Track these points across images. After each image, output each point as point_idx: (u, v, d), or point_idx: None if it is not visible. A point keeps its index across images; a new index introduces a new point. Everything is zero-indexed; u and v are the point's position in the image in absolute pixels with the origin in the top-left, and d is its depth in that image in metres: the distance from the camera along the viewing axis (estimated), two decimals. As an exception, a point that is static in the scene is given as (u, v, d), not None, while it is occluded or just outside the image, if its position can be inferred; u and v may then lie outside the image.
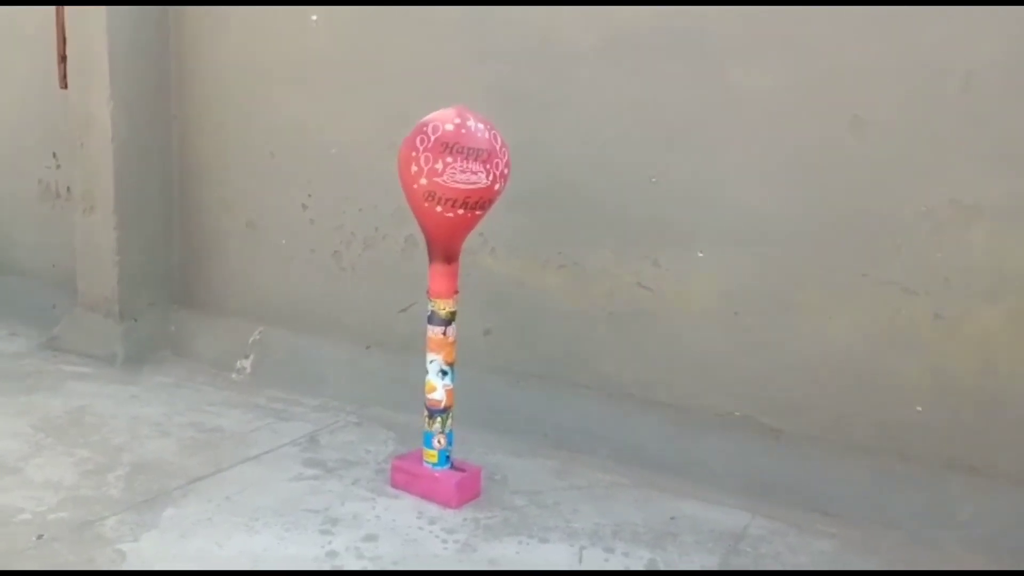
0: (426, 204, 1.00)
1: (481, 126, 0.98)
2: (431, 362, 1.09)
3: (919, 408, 1.13)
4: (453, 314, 1.09)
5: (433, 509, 1.09)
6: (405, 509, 1.09)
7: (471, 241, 1.17)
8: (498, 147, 0.99)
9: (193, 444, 1.25)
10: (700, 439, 1.24)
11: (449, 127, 0.97)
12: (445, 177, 0.96)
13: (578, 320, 1.32)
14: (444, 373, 1.09)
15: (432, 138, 0.97)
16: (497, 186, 0.99)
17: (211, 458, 1.21)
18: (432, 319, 1.09)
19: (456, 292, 1.09)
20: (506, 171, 1.00)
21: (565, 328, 1.33)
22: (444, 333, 1.08)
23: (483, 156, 0.96)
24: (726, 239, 1.22)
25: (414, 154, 0.98)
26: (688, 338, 1.26)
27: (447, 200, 0.98)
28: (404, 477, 1.13)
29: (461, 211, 0.99)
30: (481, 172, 0.96)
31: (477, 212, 1.01)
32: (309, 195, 1.52)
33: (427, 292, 1.09)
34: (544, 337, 1.35)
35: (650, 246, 1.27)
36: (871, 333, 1.15)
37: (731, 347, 1.23)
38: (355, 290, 1.37)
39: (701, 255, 1.24)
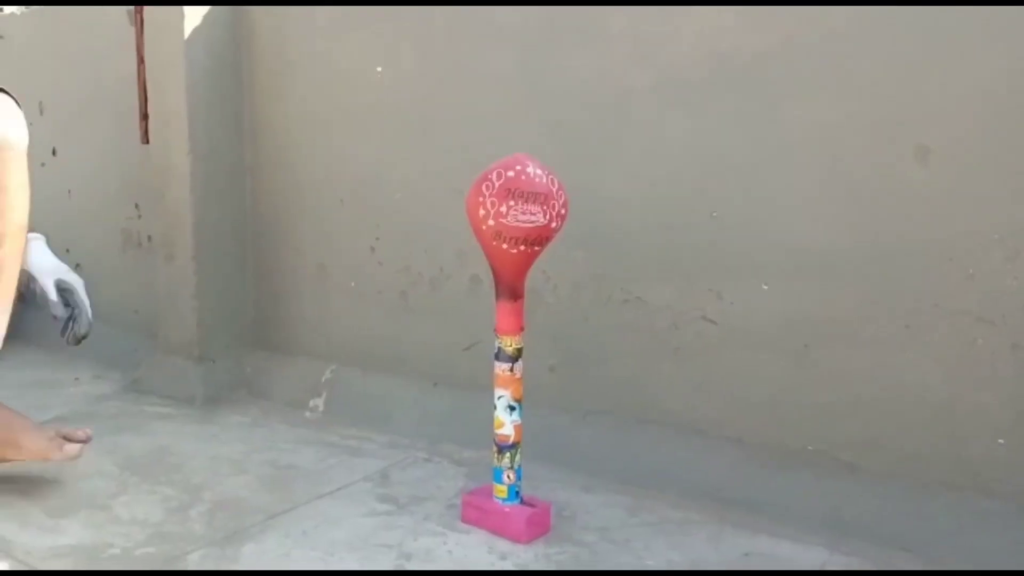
0: (494, 243, 1.05)
1: (539, 171, 1.05)
2: (499, 398, 1.10)
3: (1001, 441, 1.09)
4: (519, 350, 1.11)
5: (503, 544, 1.09)
6: (476, 544, 1.10)
7: (534, 280, 1.19)
8: (555, 190, 1.06)
9: (270, 481, 1.28)
10: (772, 475, 1.22)
11: (511, 174, 1.04)
12: (509, 218, 1.03)
13: (643, 355, 1.32)
14: (512, 409, 1.11)
15: (497, 184, 1.04)
16: (554, 224, 1.06)
17: (287, 494, 1.23)
18: (499, 355, 1.11)
19: (522, 329, 1.11)
20: (563, 211, 1.06)
21: (630, 363, 1.33)
22: (511, 369, 1.10)
23: (541, 199, 1.04)
24: (791, 272, 1.21)
25: (481, 199, 1.05)
26: (756, 372, 1.25)
27: (512, 239, 1.04)
28: (475, 512, 1.14)
29: (523, 247, 1.05)
30: (539, 213, 1.04)
31: (536, 248, 1.07)
32: (377, 238, 1.56)
33: (494, 330, 1.11)
34: (610, 373, 1.35)
35: (713, 280, 1.26)
36: (946, 365, 1.12)
37: (801, 381, 1.21)
38: (422, 329, 1.40)
39: (766, 287, 1.23)
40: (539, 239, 1.06)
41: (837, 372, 1.19)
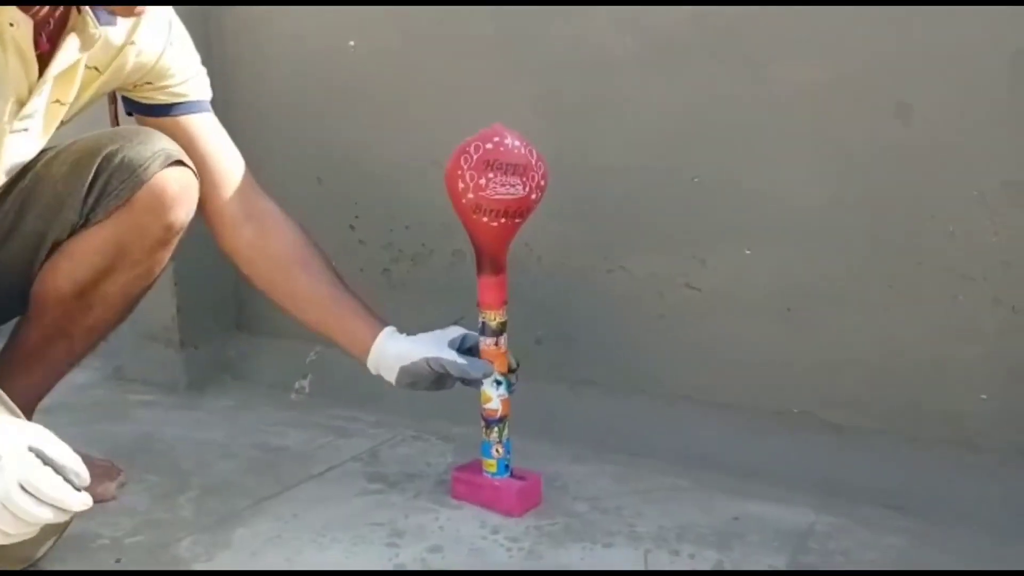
0: (474, 216, 1.05)
1: (518, 143, 1.05)
2: (483, 360, 1.10)
3: (983, 396, 1.10)
4: (504, 324, 1.10)
5: (495, 518, 1.10)
6: (468, 519, 1.10)
7: (518, 252, 1.18)
8: (534, 161, 1.05)
9: (258, 464, 1.28)
10: (760, 438, 1.24)
11: (489, 145, 1.03)
12: (488, 191, 1.03)
13: (629, 324, 1.32)
14: (498, 383, 1.10)
15: (475, 157, 1.03)
16: (534, 196, 1.05)
17: (277, 477, 1.23)
18: (484, 330, 1.10)
19: (505, 303, 1.11)
20: (542, 182, 1.06)
21: (617, 333, 1.34)
22: (496, 344, 1.10)
23: (520, 170, 1.03)
24: (774, 235, 1.21)
25: (460, 172, 1.04)
26: (741, 337, 1.25)
27: (492, 211, 1.04)
28: (465, 488, 1.14)
29: (503, 220, 1.05)
30: (519, 184, 1.03)
31: (516, 220, 1.06)
32: (356, 216, 1.54)
33: (478, 304, 1.11)
34: (596, 343, 1.35)
35: (696, 246, 1.26)
36: (930, 322, 1.13)
37: (786, 344, 1.22)
38: (406, 305, 1.39)
39: (748, 252, 1.23)
40: (519, 211, 1.05)
41: (822, 334, 1.20)
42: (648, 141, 1.28)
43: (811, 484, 1.16)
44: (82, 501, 0.80)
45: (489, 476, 1.13)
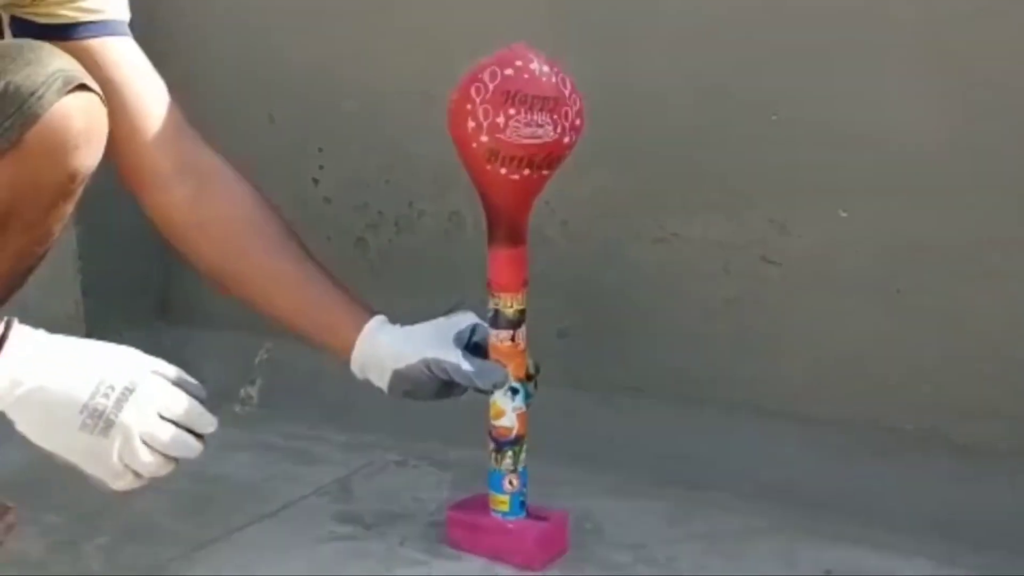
0: (488, 166, 1.02)
1: (547, 69, 1.02)
2: (497, 363, 1.08)
3: None
4: (523, 312, 1.08)
5: (507, 573, 1.08)
6: (470, 574, 1.09)
7: (536, 214, 1.17)
8: (567, 93, 1.03)
9: (192, 500, 1.26)
10: (862, 464, 1.23)
11: (509, 72, 1.00)
12: (509, 132, 1.00)
13: (685, 311, 1.31)
14: (514, 392, 1.08)
15: (491, 86, 1.00)
16: (567, 139, 1.03)
17: (216, 517, 1.22)
18: (496, 320, 1.08)
19: (526, 283, 1.08)
20: (577, 121, 1.04)
21: (668, 323, 1.32)
22: (512, 339, 1.08)
23: (550, 105, 1.01)
24: (880, 191, 1.20)
25: (470, 107, 1.01)
26: (835, 329, 1.24)
27: (512, 159, 1.01)
28: (465, 533, 1.12)
29: (527, 171, 1.02)
30: (548, 124, 1.01)
31: (544, 172, 1.04)
32: (321, 166, 1.53)
33: (487, 285, 1.08)
34: (640, 337, 1.34)
35: (775, 207, 1.25)
36: None
37: (896, 337, 1.21)
38: (388, 286, 1.39)
39: (844, 214, 1.22)
40: (548, 159, 1.02)
41: (944, 323, 1.18)
42: (710, 66, 1.25)
43: (930, 526, 1.14)
44: (211, 422, 0.94)
45: (499, 517, 1.11)
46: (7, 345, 0.89)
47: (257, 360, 1.57)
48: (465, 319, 1.11)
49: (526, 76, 1.00)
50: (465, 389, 1.08)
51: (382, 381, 1.09)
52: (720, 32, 1.25)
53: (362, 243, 1.51)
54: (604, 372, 1.36)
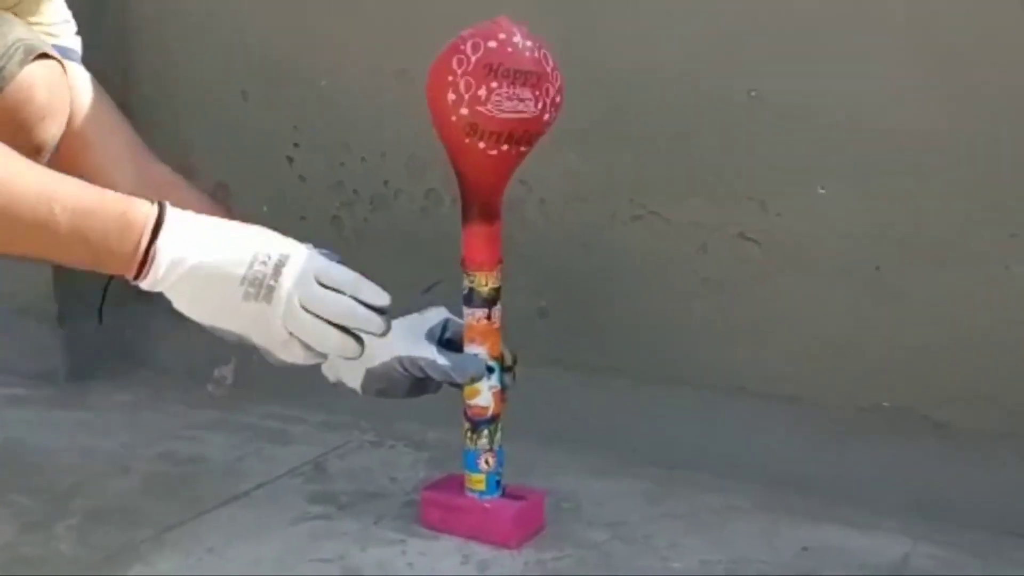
0: (467, 140, 1.01)
1: (529, 43, 1.02)
2: (473, 355, 1.08)
3: None
4: (498, 291, 1.08)
5: (483, 551, 1.08)
6: (446, 553, 1.08)
7: (512, 192, 1.17)
8: (549, 70, 1.03)
9: (164, 481, 1.26)
10: (838, 442, 1.23)
11: (493, 44, 1.00)
12: (490, 106, 0.99)
13: (664, 290, 1.31)
14: (491, 370, 1.08)
15: (473, 59, 0.99)
16: (547, 116, 1.03)
17: (188, 498, 1.21)
18: (471, 298, 1.07)
19: (500, 261, 1.08)
20: (558, 98, 1.04)
21: (647, 302, 1.32)
22: (488, 316, 1.07)
23: (533, 80, 1.00)
24: (858, 169, 1.19)
25: (451, 79, 1.00)
26: (814, 306, 1.23)
27: (492, 134, 1.00)
28: (440, 513, 1.12)
29: (506, 146, 1.01)
30: (530, 99, 1.00)
31: (522, 148, 1.03)
32: (296, 144, 1.52)
33: (461, 263, 1.08)
34: (619, 316, 1.34)
35: (754, 184, 1.24)
36: None
37: (874, 316, 1.21)
38: (364, 265, 1.36)
39: (823, 191, 1.21)
40: (527, 135, 1.02)
41: (922, 303, 1.18)
42: (687, 41, 1.25)
43: (907, 503, 1.15)
44: (375, 292, 0.95)
45: (475, 496, 1.10)
46: (164, 228, 0.90)
47: (232, 341, 1.57)
48: (437, 315, 1.10)
49: (509, 49, 1.00)
50: (439, 386, 1.08)
51: (355, 381, 1.09)
52: (700, 10, 1.24)
53: (337, 221, 1.50)
54: (583, 352, 1.36)
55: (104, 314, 1.63)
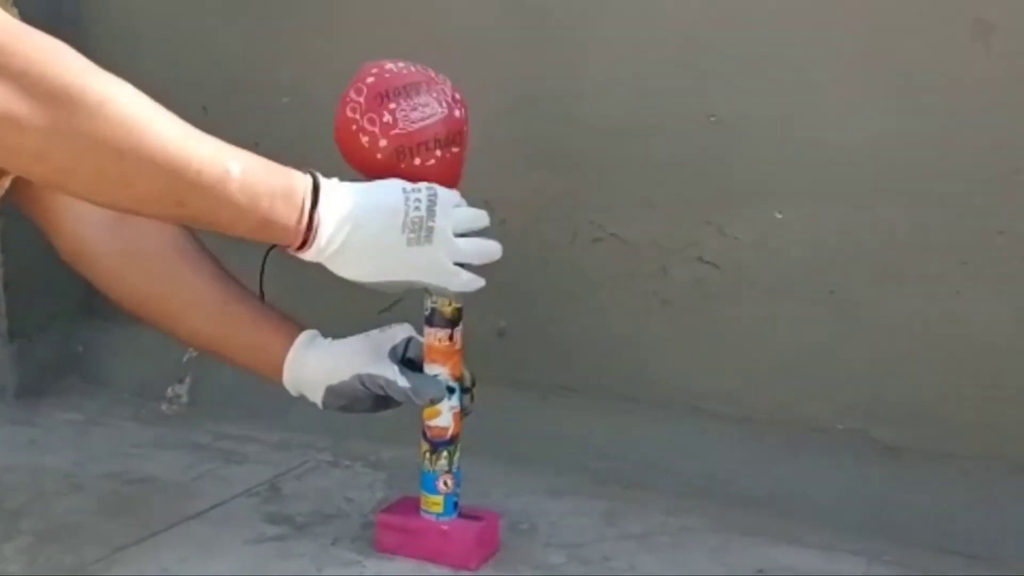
0: (403, 165, 1.01)
1: (401, 63, 1.05)
2: (433, 377, 1.07)
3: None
4: (459, 311, 1.07)
5: (440, 573, 1.08)
6: (403, 574, 1.08)
7: None
8: (433, 73, 1.05)
9: (116, 501, 1.25)
10: (793, 463, 1.24)
11: (371, 79, 1.03)
12: (401, 124, 1.01)
13: (622, 311, 1.31)
14: (451, 391, 1.07)
15: (362, 99, 1.02)
16: (457, 112, 1.04)
17: (141, 518, 1.20)
18: (432, 319, 1.07)
19: None
20: (458, 95, 1.05)
21: (606, 322, 1.32)
22: (450, 338, 1.07)
23: (424, 87, 1.03)
24: (814, 193, 1.20)
25: (355, 127, 1.02)
26: (770, 328, 1.24)
27: (418, 146, 1.01)
28: (396, 537, 1.11)
29: (439, 152, 1.02)
30: (433, 102, 1.03)
31: (455, 150, 1.04)
32: None
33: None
34: (578, 336, 1.34)
35: (712, 207, 1.25)
36: (1017, 309, 1.13)
37: (828, 338, 1.22)
38: (322, 284, 1.35)
39: (780, 216, 1.22)
40: (451, 135, 1.03)
41: (875, 325, 1.20)
42: (648, 65, 1.26)
43: (861, 523, 1.16)
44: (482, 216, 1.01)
45: (432, 518, 1.10)
46: (322, 197, 0.91)
47: (186, 358, 1.54)
48: (400, 332, 1.10)
49: (387, 75, 1.02)
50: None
51: (316, 397, 1.09)
52: (660, 34, 1.25)
53: (296, 239, 1.49)
54: (541, 372, 1.36)
55: (53, 330, 1.62)
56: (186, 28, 1.53)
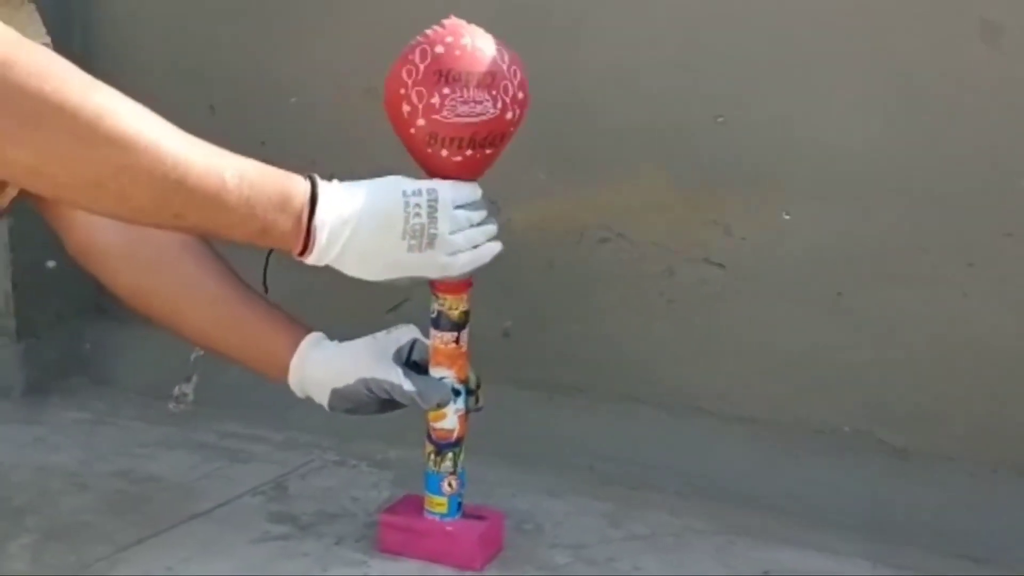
0: (429, 150, 1.00)
1: (482, 42, 1.00)
2: (439, 380, 1.07)
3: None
4: (467, 314, 1.07)
5: (444, 573, 1.08)
6: (408, 574, 1.08)
7: None
8: (506, 65, 1.00)
9: (121, 500, 1.25)
10: (798, 465, 1.23)
11: (440, 49, 0.98)
12: (446, 112, 0.97)
13: (628, 311, 1.31)
14: (457, 394, 1.07)
15: (422, 67, 0.98)
16: (509, 114, 1.00)
17: (146, 517, 1.20)
18: (439, 322, 1.06)
19: (471, 284, 1.07)
20: (520, 94, 1.01)
21: (611, 323, 1.32)
22: (456, 340, 1.06)
23: (488, 80, 0.99)
24: (821, 194, 1.20)
25: (403, 91, 0.99)
26: (776, 329, 1.24)
27: (453, 140, 0.99)
28: (400, 537, 1.11)
29: (470, 151, 1.00)
30: (487, 100, 0.99)
31: (488, 152, 1.01)
32: (264, 160, 1.50)
33: (431, 286, 1.07)
34: (583, 337, 1.34)
35: (719, 208, 1.25)
36: (1023, 312, 1.13)
37: (834, 339, 1.22)
38: (329, 283, 1.35)
39: (788, 217, 1.22)
40: (491, 137, 1.00)
41: (882, 326, 1.20)
42: (655, 64, 1.25)
43: (865, 525, 1.16)
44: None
45: (436, 518, 1.09)
46: (320, 201, 0.91)
47: (193, 357, 1.51)
48: (405, 334, 1.09)
49: (458, 52, 0.98)
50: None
51: (322, 399, 1.09)
52: (666, 34, 1.25)
53: (303, 239, 1.49)
54: (546, 372, 1.36)
55: (61, 330, 1.62)
56: (193, 28, 1.52)
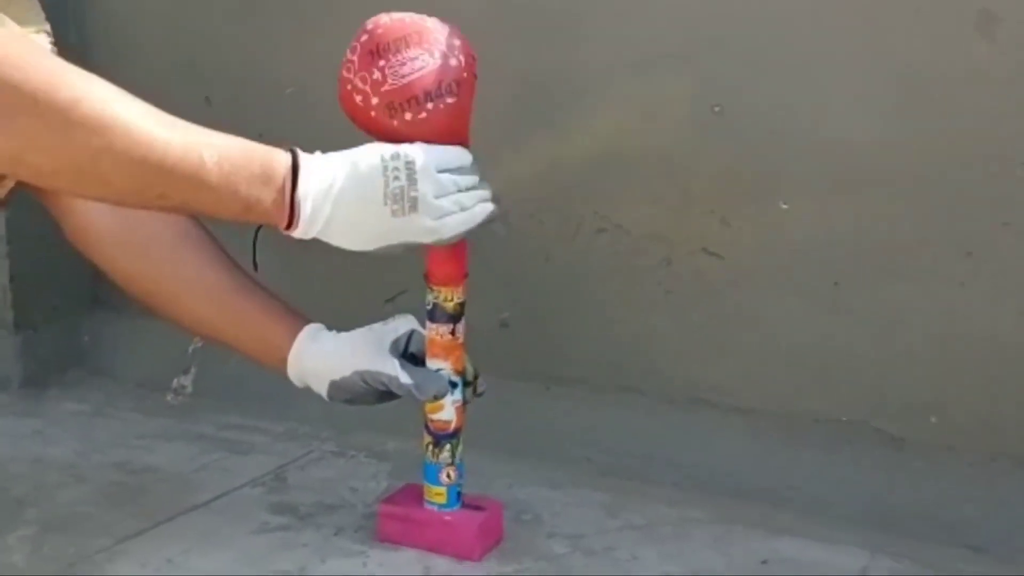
0: (395, 123, 1.00)
1: (399, 15, 1.03)
2: (436, 371, 1.07)
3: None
4: (463, 306, 1.07)
5: (444, 563, 1.08)
6: (407, 564, 1.08)
7: None
8: (430, 23, 1.03)
9: (120, 491, 1.25)
10: (797, 455, 1.23)
11: (364, 37, 1.02)
12: (391, 80, 1.00)
13: (625, 303, 1.31)
14: (453, 385, 1.07)
15: (356, 58, 1.02)
16: (454, 60, 1.02)
17: (144, 508, 1.20)
18: (435, 314, 1.06)
19: (466, 276, 1.07)
20: (457, 42, 1.02)
21: (608, 314, 1.32)
22: (453, 332, 1.06)
23: (415, 39, 1.01)
24: (819, 185, 1.20)
25: (350, 85, 1.02)
26: (773, 320, 1.24)
27: (409, 101, 1.00)
28: (399, 527, 1.11)
29: (431, 104, 1.00)
30: (424, 54, 1.00)
31: (449, 100, 1.01)
32: None
33: (425, 278, 1.07)
34: (581, 328, 1.34)
35: (717, 199, 1.25)
36: (1021, 303, 1.12)
37: (832, 330, 1.22)
38: (326, 275, 1.36)
39: (785, 207, 1.22)
40: (443, 86, 1.01)
41: (879, 317, 1.19)
42: (653, 55, 1.25)
43: (863, 515, 1.16)
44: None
45: (435, 508, 1.10)
46: (301, 174, 0.91)
47: (191, 349, 1.54)
48: (403, 325, 1.10)
49: (380, 31, 1.01)
50: None
51: (321, 390, 1.09)
52: (665, 22, 1.24)
53: (300, 230, 1.49)
54: (544, 363, 1.36)
55: (59, 322, 1.62)
56: (189, 21, 1.52)
